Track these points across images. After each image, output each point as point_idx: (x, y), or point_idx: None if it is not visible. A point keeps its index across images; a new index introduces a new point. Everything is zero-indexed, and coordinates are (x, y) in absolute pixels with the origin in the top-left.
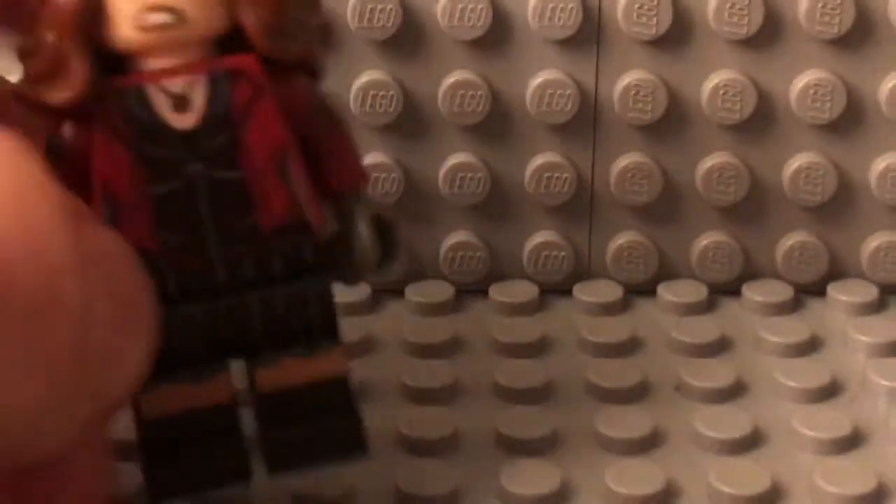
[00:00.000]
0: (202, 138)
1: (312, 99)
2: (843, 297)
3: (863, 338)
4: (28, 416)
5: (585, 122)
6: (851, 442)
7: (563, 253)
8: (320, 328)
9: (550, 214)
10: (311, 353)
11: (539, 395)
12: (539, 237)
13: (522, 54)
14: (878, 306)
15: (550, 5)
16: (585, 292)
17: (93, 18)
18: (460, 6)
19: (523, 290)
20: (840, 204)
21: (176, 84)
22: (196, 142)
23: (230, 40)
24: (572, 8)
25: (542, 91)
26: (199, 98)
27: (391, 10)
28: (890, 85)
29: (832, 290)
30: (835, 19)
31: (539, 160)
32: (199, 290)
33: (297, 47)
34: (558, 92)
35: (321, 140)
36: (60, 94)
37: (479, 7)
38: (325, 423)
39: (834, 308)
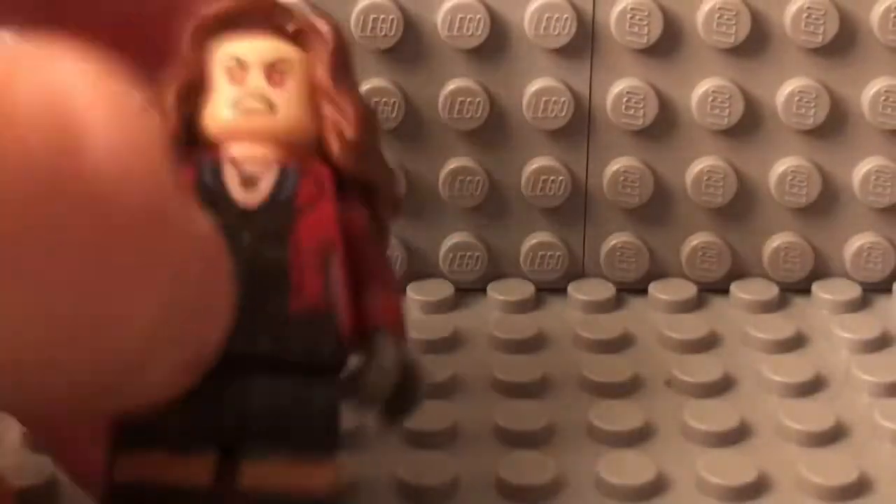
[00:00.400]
0: (260, 217)
1: (368, 229)
2: (827, 296)
3: (846, 334)
4: (140, 338)
5: (580, 127)
6: (835, 435)
7: (558, 253)
8: (319, 437)
9: (546, 216)
10: (303, 458)
11: (535, 390)
12: (535, 238)
13: (519, 62)
14: (860, 304)
15: (546, 15)
16: (580, 291)
17: (199, 84)
18: (459, 16)
19: (520, 289)
20: (824, 206)
21: (250, 164)
22: (253, 219)
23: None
24: (567, 18)
25: (538, 98)
26: (266, 182)
27: (393, 20)
28: (872, 91)
29: (816, 288)
30: (819, 29)
31: (535, 164)
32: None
33: (369, 171)
34: (553, 99)
35: (366, 271)
36: None
37: (478, 17)
38: None
39: (818, 306)
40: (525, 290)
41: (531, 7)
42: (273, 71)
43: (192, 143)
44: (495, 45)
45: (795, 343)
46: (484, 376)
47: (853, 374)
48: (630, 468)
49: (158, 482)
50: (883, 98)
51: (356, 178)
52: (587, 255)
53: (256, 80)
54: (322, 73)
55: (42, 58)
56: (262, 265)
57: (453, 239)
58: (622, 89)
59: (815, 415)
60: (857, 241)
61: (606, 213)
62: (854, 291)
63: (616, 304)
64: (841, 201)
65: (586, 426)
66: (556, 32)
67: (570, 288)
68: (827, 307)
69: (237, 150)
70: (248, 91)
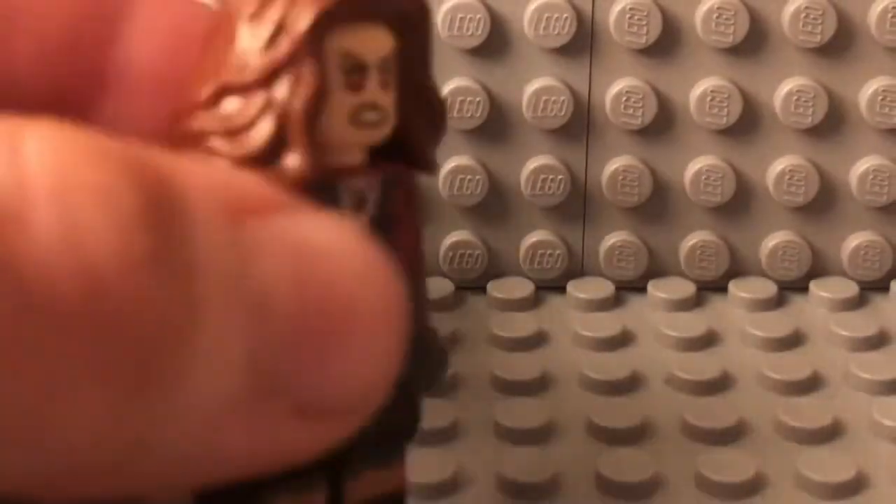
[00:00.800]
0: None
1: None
2: (825, 294)
3: (844, 332)
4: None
5: (579, 126)
6: (832, 432)
7: (557, 251)
8: (403, 441)
9: (545, 215)
10: (391, 463)
11: (535, 388)
12: (535, 236)
13: (519, 62)
14: (858, 302)
15: (546, 15)
16: (579, 289)
17: (319, 110)
18: (459, 16)
19: (520, 287)
20: (822, 205)
21: (361, 184)
22: None
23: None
24: (566, 18)
25: (538, 97)
26: (372, 198)
27: None
28: (870, 91)
29: (814, 286)
30: (816, 29)
31: (535, 163)
32: None
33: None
34: (553, 98)
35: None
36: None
37: (478, 17)
38: None
39: (816, 304)
40: (525, 288)
41: (531, 7)
42: (385, 71)
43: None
44: (495, 45)
45: (793, 341)
46: (484, 374)
47: (851, 371)
48: (629, 465)
49: None
50: (881, 97)
51: (428, 171)
52: (586, 254)
53: (374, 85)
54: (421, 61)
55: None
56: None
57: (453, 237)
58: (621, 88)
59: (812, 412)
60: (855, 240)
61: (606, 211)
62: (851, 290)
63: (615, 302)
64: (839, 200)
65: (586, 423)
66: (556, 32)
67: (570, 286)
68: (825, 305)
69: (340, 162)
70: (367, 100)
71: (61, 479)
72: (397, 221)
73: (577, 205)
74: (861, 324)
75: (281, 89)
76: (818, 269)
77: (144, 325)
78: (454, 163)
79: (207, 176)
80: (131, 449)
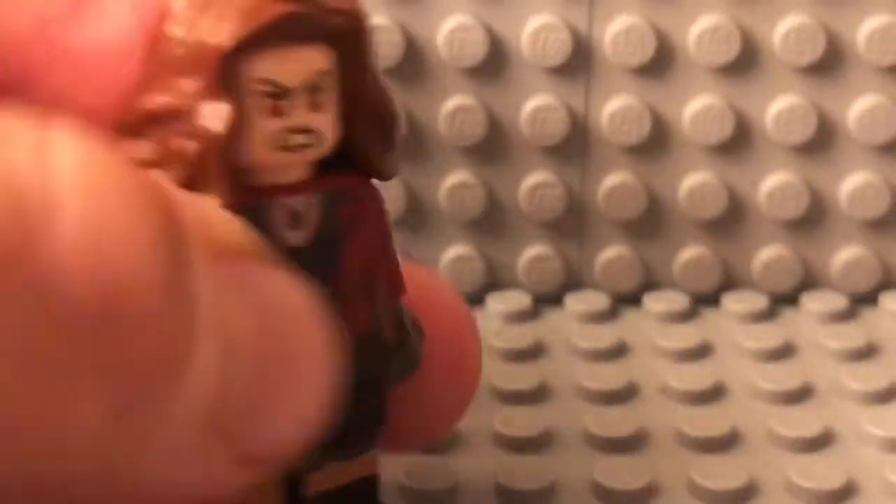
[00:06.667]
0: (308, 255)
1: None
2: (816, 306)
3: (834, 344)
4: (87, 440)
5: (576, 143)
6: (823, 441)
7: (555, 265)
8: (372, 437)
9: (543, 229)
10: (358, 456)
11: (533, 397)
12: (533, 250)
13: (517, 81)
14: (847, 315)
15: (543, 36)
16: (576, 301)
17: (235, 138)
18: (460, 37)
19: (518, 300)
20: (812, 220)
21: (296, 202)
22: (302, 257)
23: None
24: (563, 38)
25: (535, 115)
26: (312, 216)
27: (395, 42)
28: (858, 109)
29: (805, 299)
30: (807, 48)
31: (532, 179)
32: None
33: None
34: (550, 116)
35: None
36: None
37: (477, 38)
38: None
39: (807, 316)
40: (523, 300)
41: (529, 27)
42: (316, 94)
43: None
44: (494, 64)
45: (785, 352)
46: (483, 384)
47: (840, 382)
48: (624, 473)
49: None
50: (868, 115)
51: (385, 178)
52: (583, 267)
53: (299, 109)
54: (360, 76)
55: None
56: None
57: (453, 251)
58: (617, 107)
59: (803, 421)
60: (845, 254)
61: (602, 226)
62: (841, 302)
63: (611, 314)
64: (828, 215)
65: (582, 432)
66: (553, 52)
67: (567, 299)
68: (815, 317)
69: (274, 181)
70: (294, 124)
71: (47, 486)
72: (346, 235)
73: (574, 219)
74: (851, 335)
75: (200, 115)
76: (808, 281)
77: (149, 347)
78: (454, 179)
79: (195, 210)
80: (118, 462)
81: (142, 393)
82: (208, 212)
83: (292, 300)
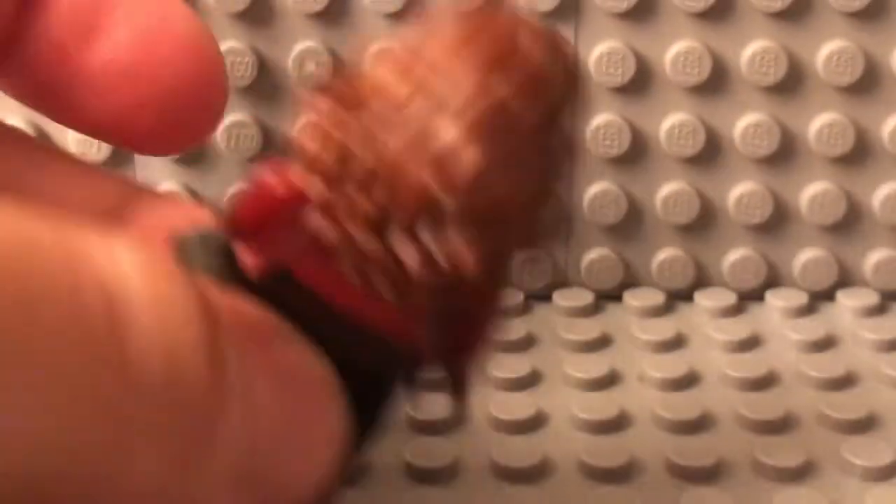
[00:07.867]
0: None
1: None
2: (779, 303)
3: (795, 336)
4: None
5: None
6: (785, 423)
7: (544, 264)
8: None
9: None
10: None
11: (524, 384)
12: (524, 252)
13: None
14: (808, 310)
15: None
16: (563, 298)
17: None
18: None
19: (510, 296)
20: (776, 224)
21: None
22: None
23: None
24: None
25: None
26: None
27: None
28: (817, 125)
29: (770, 296)
30: (770, 70)
31: None
32: None
33: None
34: None
35: None
36: None
37: None
38: None
39: (771, 311)
40: (514, 297)
41: None
42: None
43: None
44: None
45: (751, 344)
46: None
47: (802, 370)
48: (606, 452)
49: None
50: (827, 130)
51: None
52: (570, 267)
53: None
54: None
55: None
56: None
57: None
58: (599, 123)
59: (768, 406)
60: (805, 255)
61: (587, 230)
62: (802, 298)
63: (595, 309)
64: (790, 220)
65: (570, 416)
66: None
67: (555, 295)
68: (778, 313)
69: None
70: None
71: None
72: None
73: (561, 224)
74: (811, 329)
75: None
76: (773, 280)
77: (195, 415)
78: None
79: (223, 299)
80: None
81: (187, 447)
82: (230, 297)
83: (307, 368)
